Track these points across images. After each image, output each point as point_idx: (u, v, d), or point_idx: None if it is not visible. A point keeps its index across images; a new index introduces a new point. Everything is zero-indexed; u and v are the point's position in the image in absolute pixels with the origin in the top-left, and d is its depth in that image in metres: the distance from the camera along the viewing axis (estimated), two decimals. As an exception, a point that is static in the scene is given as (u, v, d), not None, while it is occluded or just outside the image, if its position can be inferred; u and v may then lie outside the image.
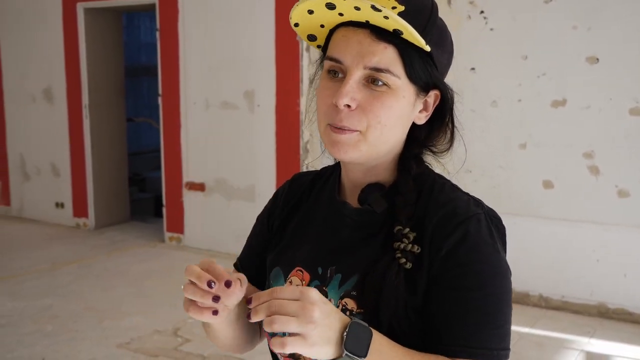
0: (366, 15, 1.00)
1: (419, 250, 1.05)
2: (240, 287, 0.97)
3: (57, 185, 7.29)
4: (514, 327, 0.93)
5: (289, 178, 1.33)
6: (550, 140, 4.67)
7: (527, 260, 4.76)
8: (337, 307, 1.06)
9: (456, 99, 1.14)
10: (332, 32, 1.09)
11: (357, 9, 0.99)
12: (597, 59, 4.46)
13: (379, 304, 1.03)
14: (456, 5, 4.88)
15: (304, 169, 5.51)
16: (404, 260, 1.04)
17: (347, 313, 1.06)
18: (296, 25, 1.10)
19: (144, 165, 9.36)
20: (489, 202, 1.12)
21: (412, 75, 1.05)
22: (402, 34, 1.01)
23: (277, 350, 0.91)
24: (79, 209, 7.17)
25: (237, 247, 6.45)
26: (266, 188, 5.74)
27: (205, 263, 0.97)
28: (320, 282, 1.12)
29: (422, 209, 1.09)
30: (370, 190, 1.13)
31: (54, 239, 6.70)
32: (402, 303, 1.03)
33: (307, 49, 5.47)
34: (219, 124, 6.08)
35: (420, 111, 1.11)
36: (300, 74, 5.54)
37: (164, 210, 6.56)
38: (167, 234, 6.52)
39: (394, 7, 1.02)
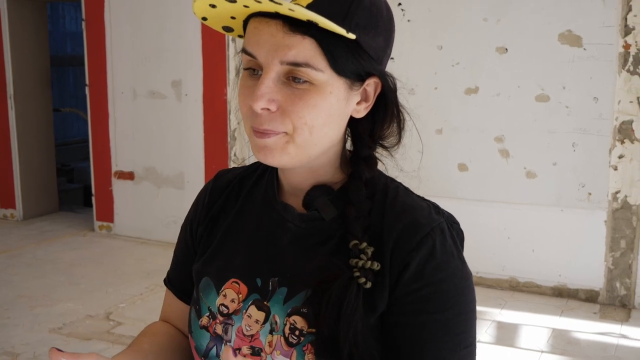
0: (270, 6, 0.87)
1: (379, 267, 0.93)
2: None
3: (-18, 177, 7.20)
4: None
5: (216, 168, 1.23)
6: (465, 125, 4.96)
7: (444, 239, 5.05)
8: (284, 325, 0.97)
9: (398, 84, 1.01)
10: (246, 22, 0.95)
11: (258, 1, 0.86)
12: (506, 49, 4.77)
13: (338, 328, 0.91)
14: (376, -3, 5.11)
15: (232, 157, 5.66)
16: (363, 279, 0.92)
17: (297, 332, 0.96)
18: (204, 19, 0.97)
19: (72, 156, 9.30)
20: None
21: (337, 68, 0.91)
22: (318, 24, 0.87)
23: None
24: (6, 201, 7.09)
25: (166, 234, 6.56)
26: (195, 175, 5.86)
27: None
28: (261, 296, 1.00)
29: (378, 218, 0.97)
30: (317, 193, 1.00)
31: (-20, 231, 6.65)
32: (361, 326, 0.92)
33: (234, 39, 5.60)
34: (147, 114, 6.15)
35: (358, 102, 0.98)
36: (227, 64, 5.68)
37: (94, 199, 6.59)
38: (97, 223, 6.56)
39: None
